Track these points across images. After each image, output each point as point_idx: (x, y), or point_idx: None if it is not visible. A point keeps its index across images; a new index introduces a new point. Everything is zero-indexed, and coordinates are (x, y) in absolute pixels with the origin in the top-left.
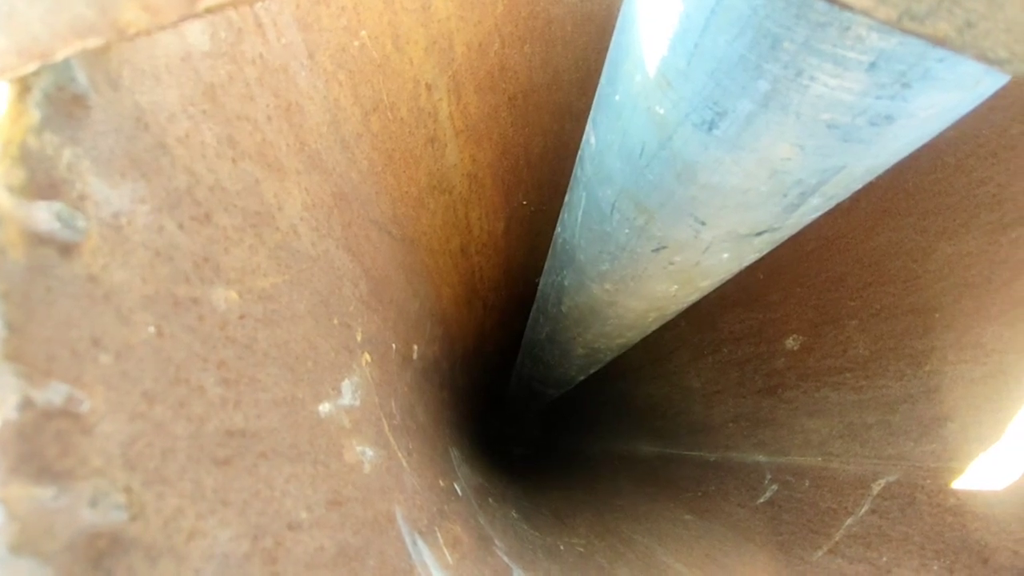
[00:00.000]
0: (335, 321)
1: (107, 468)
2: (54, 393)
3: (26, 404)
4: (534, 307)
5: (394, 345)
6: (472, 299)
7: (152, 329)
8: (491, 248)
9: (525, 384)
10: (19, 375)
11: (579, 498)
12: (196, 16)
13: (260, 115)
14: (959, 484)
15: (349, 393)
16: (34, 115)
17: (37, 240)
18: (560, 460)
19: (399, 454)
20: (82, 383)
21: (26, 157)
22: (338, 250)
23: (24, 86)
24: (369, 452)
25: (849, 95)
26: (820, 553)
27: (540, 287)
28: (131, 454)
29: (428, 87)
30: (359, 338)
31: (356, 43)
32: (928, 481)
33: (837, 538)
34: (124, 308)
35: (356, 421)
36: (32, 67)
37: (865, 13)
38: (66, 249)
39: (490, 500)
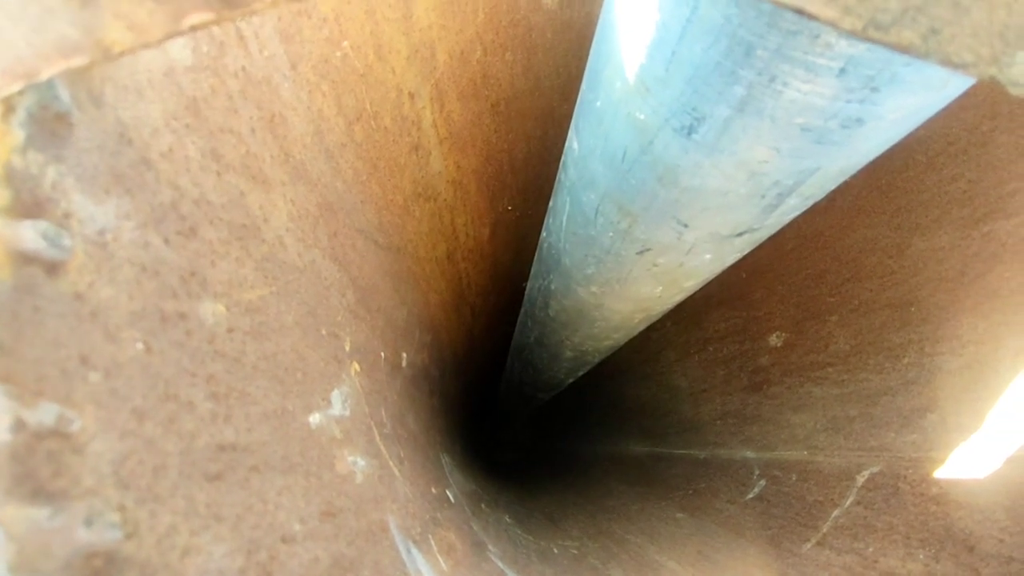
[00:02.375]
0: (323, 331)
1: (100, 487)
2: (45, 413)
3: (18, 425)
4: (522, 312)
5: (383, 353)
6: (460, 305)
7: (140, 345)
8: (477, 254)
9: (515, 388)
10: (10, 396)
11: (571, 501)
12: (181, 34)
13: (244, 127)
14: (941, 473)
15: (339, 403)
16: (18, 135)
17: (23, 259)
18: (552, 463)
19: (391, 463)
20: (72, 402)
21: (11, 177)
22: (325, 260)
23: (7, 106)
24: (361, 462)
25: (821, 99)
26: (809, 545)
27: (527, 291)
28: (123, 472)
29: (411, 96)
30: (347, 348)
31: (338, 54)
32: (910, 471)
33: (825, 530)
34: (111, 325)
35: (347, 431)
36: (16, 87)
37: (832, 24)
38: (52, 268)
39: (483, 506)
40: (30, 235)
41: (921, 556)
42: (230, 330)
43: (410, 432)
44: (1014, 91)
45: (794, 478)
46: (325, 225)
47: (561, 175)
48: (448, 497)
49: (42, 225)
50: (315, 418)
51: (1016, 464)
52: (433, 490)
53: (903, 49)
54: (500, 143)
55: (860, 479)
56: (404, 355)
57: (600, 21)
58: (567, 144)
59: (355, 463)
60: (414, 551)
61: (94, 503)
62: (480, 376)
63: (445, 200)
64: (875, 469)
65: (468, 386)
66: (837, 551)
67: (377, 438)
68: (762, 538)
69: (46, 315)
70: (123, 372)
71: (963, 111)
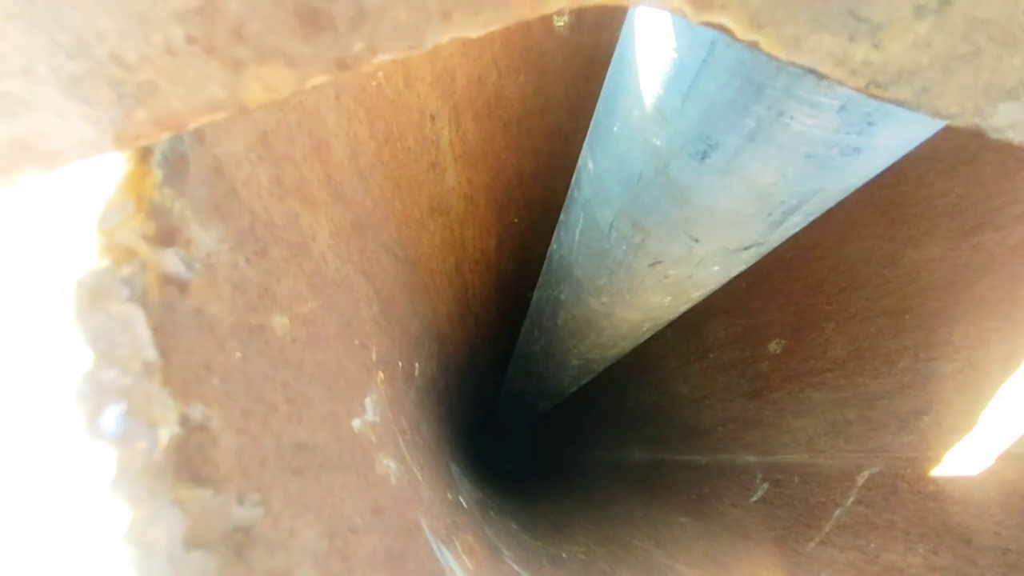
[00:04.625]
0: (356, 342)
1: (232, 475)
2: (195, 411)
3: (184, 420)
4: (527, 321)
5: (400, 363)
6: (465, 315)
7: (239, 354)
8: (483, 265)
9: (516, 397)
10: (174, 396)
11: (575, 508)
12: (303, 92)
13: (299, 154)
14: (937, 472)
15: (371, 410)
16: (157, 174)
17: (165, 281)
18: (553, 472)
19: (413, 468)
20: (207, 402)
21: (154, 211)
22: (356, 274)
23: (146, 150)
24: (392, 465)
25: (823, 132)
26: (812, 544)
27: (534, 302)
28: (243, 463)
29: (432, 117)
30: (374, 357)
31: (374, 83)
32: (908, 470)
33: (828, 529)
34: (220, 336)
35: (380, 436)
36: (166, 135)
37: (839, 82)
38: (183, 287)
39: (491, 513)
40: (173, 260)
41: (920, 550)
42: (293, 340)
43: (424, 440)
44: (994, 136)
45: (796, 480)
46: (356, 241)
47: (574, 192)
48: (462, 503)
49: (181, 252)
50: (356, 423)
51: (1008, 461)
52: (449, 496)
53: (898, 103)
54: (510, 159)
55: (860, 479)
56: (417, 365)
57: (616, 53)
58: (580, 163)
59: (389, 466)
60: (444, 550)
61: (241, 485)
62: (481, 386)
63: (457, 214)
64: (874, 469)
65: (469, 396)
66: (840, 548)
67: (401, 444)
68: (767, 539)
69: (182, 328)
70: (231, 377)
71: (951, 131)
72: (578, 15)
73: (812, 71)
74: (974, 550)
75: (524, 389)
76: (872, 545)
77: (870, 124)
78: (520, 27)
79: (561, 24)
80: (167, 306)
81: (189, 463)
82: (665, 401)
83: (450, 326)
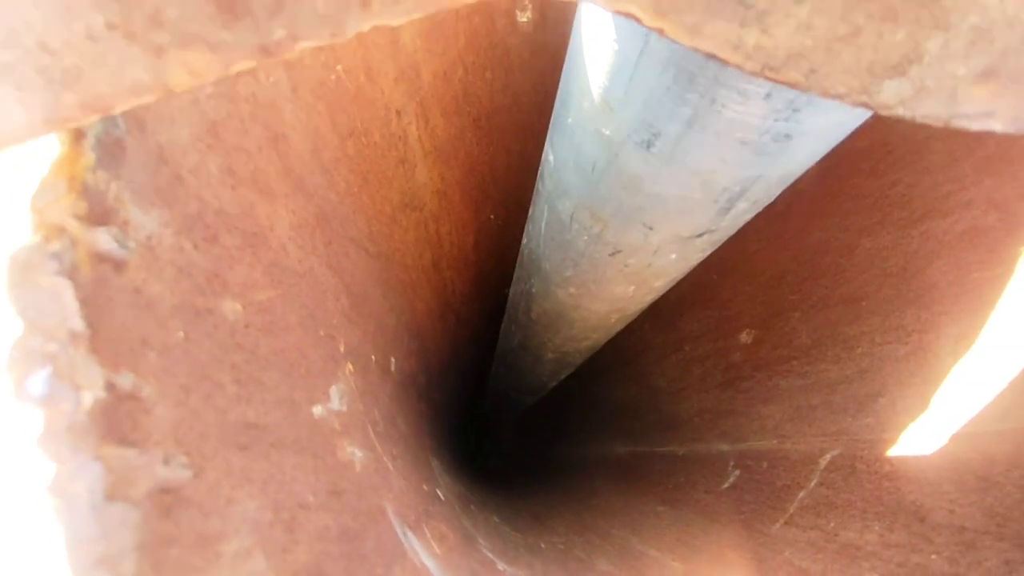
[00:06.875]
0: (321, 332)
1: (163, 442)
2: (124, 379)
3: (109, 386)
4: (505, 317)
5: (373, 357)
6: (445, 313)
7: (181, 334)
8: (461, 262)
9: (501, 393)
10: (101, 364)
11: (557, 501)
12: (228, 76)
13: (253, 146)
14: (893, 452)
15: (337, 399)
16: (90, 157)
17: (99, 259)
18: (538, 469)
19: (384, 458)
20: (140, 374)
21: (86, 192)
22: (321, 267)
23: (79, 133)
24: (358, 453)
25: (753, 118)
26: (777, 526)
27: (510, 297)
28: (179, 434)
29: (398, 113)
30: (342, 349)
31: (333, 77)
32: (866, 452)
33: (792, 511)
34: (160, 315)
35: (345, 424)
36: (93, 119)
37: (737, 66)
38: (118, 266)
39: (471, 507)
40: (104, 239)
41: (876, 528)
42: (246, 326)
43: (401, 433)
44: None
45: (764, 466)
46: (321, 234)
47: (539, 185)
48: (439, 495)
49: (113, 231)
50: (318, 409)
51: (960, 441)
52: (424, 487)
53: (791, 85)
54: (482, 155)
55: (823, 462)
56: (393, 360)
57: (569, 47)
58: (543, 157)
59: (353, 453)
60: (410, 535)
61: (168, 447)
62: (465, 384)
63: (430, 210)
64: (835, 452)
65: (453, 394)
66: (802, 528)
67: (371, 434)
68: (736, 522)
69: (116, 304)
70: (171, 354)
71: (899, 122)
72: (542, 11)
73: (713, 56)
74: (928, 527)
75: (507, 385)
76: (831, 524)
77: (795, 110)
78: (484, 23)
79: (524, 20)
80: (100, 282)
81: (117, 427)
82: (645, 395)
83: (430, 323)
